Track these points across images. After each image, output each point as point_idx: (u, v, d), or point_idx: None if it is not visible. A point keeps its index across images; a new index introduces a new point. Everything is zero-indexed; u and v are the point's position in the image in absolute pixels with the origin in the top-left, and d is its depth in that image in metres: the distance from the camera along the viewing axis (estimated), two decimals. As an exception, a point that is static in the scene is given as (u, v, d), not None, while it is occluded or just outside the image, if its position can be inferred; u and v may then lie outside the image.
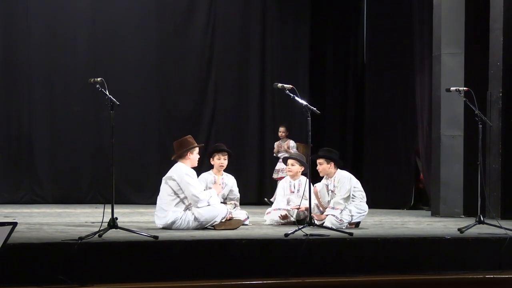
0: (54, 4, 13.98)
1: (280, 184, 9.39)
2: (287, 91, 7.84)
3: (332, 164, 8.67)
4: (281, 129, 13.93)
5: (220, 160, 8.93)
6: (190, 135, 8.35)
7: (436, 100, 11.47)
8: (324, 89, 15.19)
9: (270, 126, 14.78)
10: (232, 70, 14.79)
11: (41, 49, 13.87)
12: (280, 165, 13.47)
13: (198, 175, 8.51)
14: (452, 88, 8.78)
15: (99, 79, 7.05)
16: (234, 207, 8.88)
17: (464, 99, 8.59)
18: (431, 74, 11.88)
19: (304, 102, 7.72)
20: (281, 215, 8.95)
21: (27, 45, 13.81)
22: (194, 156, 8.18)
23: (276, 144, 13.84)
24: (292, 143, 13.81)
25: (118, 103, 7.01)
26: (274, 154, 13.92)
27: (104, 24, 14.16)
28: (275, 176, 13.67)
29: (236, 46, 14.79)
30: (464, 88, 8.73)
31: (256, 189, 14.50)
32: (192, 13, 14.64)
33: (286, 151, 13.61)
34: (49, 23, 13.93)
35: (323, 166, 8.68)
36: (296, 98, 7.78)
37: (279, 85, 7.91)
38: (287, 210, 9.01)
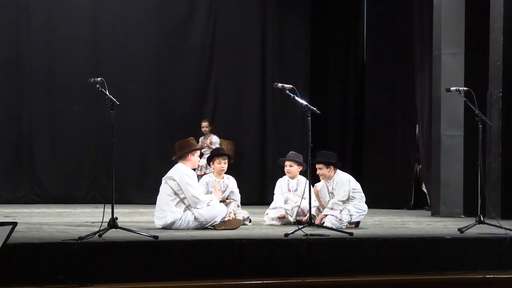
0: (54, 4, 13.97)
1: (278, 183, 9.37)
2: (287, 91, 7.84)
3: (332, 167, 8.67)
4: (204, 124, 13.72)
5: (221, 164, 8.92)
6: (192, 137, 8.36)
7: (436, 100, 11.46)
8: (324, 89, 15.17)
9: (270, 126, 14.77)
10: (232, 70, 14.77)
11: (41, 49, 13.86)
12: (203, 161, 12.97)
13: (199, 178, 8.51)
14: (452, 88, 8.78)
15: (99, 79, 7.05)
16: (237, 206, 8.89)
17: (464, 99, 8.59)
18: (431, 74, 11.87)
19: (304, 102, 7.72)
20: (278, 216, 8.93)
21: (27, 45, 13.80)
22: (195, 158, 8.20)
23: (200, 139, 13.51)
24: (215, 138, 13.60)
25: (118, 103, 7.02)
26: None
27: (104, 24, 14.16)
28: (197, 172, 12.93)
29: (236, 46, 14.78)
30: (464, 88, 8.72)
31: (257, 189, 14.47)
32: (192, 13, 14.63)
33: (209, 147, 13.38)
34: (49, 23, 13.92)
35: (323, 171, 8.67)
36: (296, 98, 7.78)
37: (279, 85, 7.91)
38: (286, 210, 9.01)
